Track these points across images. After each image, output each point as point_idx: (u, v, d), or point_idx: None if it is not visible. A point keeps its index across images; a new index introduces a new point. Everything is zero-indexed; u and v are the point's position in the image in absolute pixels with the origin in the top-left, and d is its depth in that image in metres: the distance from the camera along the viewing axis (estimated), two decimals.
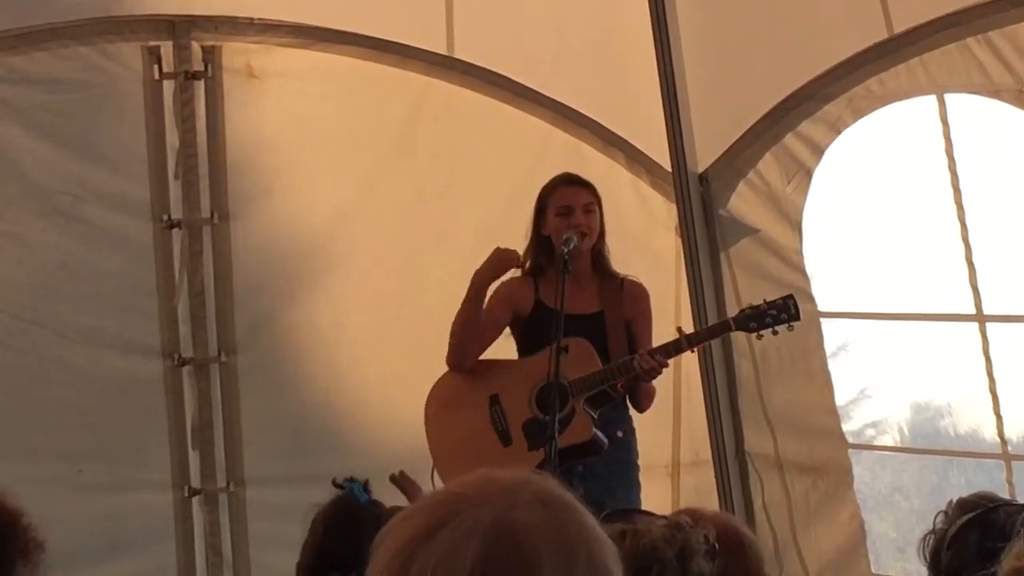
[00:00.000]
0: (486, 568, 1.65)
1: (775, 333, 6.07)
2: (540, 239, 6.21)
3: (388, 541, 1.70)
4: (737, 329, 6.14)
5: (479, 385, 6.20)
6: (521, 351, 6.26)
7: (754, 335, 6.12)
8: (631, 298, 6.25)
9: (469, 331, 6.16)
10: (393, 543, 1.70)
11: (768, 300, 6.08)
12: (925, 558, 3.28)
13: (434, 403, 6.26)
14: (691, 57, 7.04)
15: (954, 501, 3.36)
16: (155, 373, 7.00)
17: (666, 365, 5.99)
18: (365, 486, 3.89)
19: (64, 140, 6.90)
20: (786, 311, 6.04)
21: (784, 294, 6.16)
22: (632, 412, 6.23)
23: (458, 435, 6.15)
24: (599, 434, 6.00)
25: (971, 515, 3.24)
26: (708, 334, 6.36)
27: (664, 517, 3.28)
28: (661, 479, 7.18)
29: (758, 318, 6.04)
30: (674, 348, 6.01)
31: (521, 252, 6.21)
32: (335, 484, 3.94)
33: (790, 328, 6.06)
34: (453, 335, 6.21)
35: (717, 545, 3.17)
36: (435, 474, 6.12)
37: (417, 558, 1.66)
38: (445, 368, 6.27)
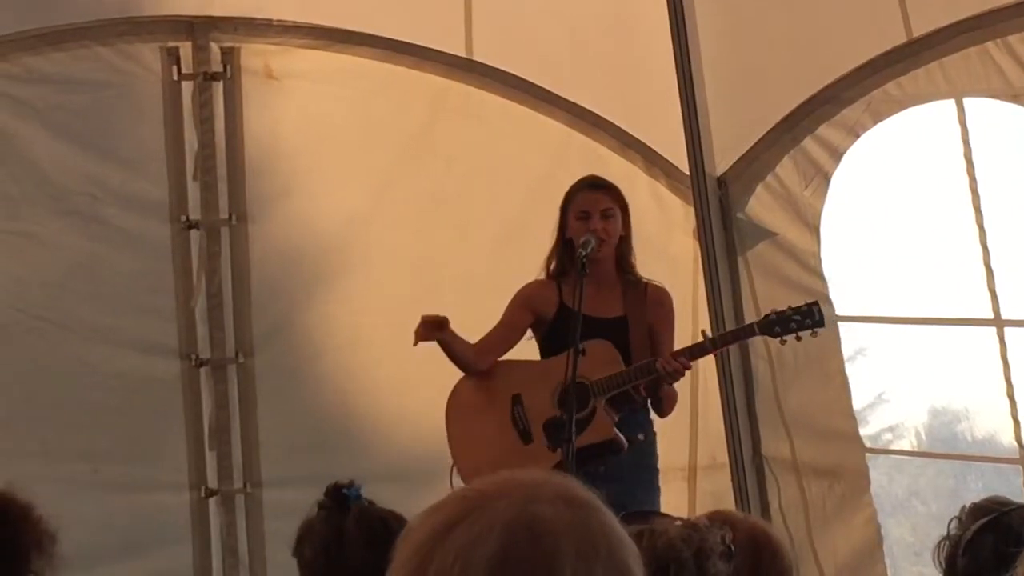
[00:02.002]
0: (506, 561, 1.65)
1: (799, 339, 6.06)
2: (563, 241, 6.22)
3: (410, 537, 1.71)
4: (761, 333, 6.12)
5: (501, 384, 6.22)
6: (544, 353, 6.26)
7: (777, 340, 6.11)
8: (654, 303, 6.24)
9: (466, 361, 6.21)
10: (415, 538, 1.70)
11: (793, 306, 6.08)
12: (940, 564, 3.28)
13: (455, 402, 6.26)
14: (709, 60, 7.03)
15: (967, 507, 3.35)
16: (172, 374, 7.00)
17: (689, 367, 5.99)
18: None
19: (82, 140, 6.91)
20: (811, 317, 6.03)
21: (806, 300, 6.17)
22: (652, 416, 6.23)
23: (479, 433, 6.16)
24: (620, 434, 6.00)
25: (986, 519, 3.24)
26: (732, 337, 6.35)
27: (681, 519, 3.29)
28: (678, 482, 7.17)
29: (783, 323, 6.03)
30: (698, 350, 6.02)
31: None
32: (335, 494, 3.84)
33: (814, 334, 6.06)
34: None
35: (732, 548, 3.17)
36: (454, 473, 6.12)
37: (438, 551, 1.67)
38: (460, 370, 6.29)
